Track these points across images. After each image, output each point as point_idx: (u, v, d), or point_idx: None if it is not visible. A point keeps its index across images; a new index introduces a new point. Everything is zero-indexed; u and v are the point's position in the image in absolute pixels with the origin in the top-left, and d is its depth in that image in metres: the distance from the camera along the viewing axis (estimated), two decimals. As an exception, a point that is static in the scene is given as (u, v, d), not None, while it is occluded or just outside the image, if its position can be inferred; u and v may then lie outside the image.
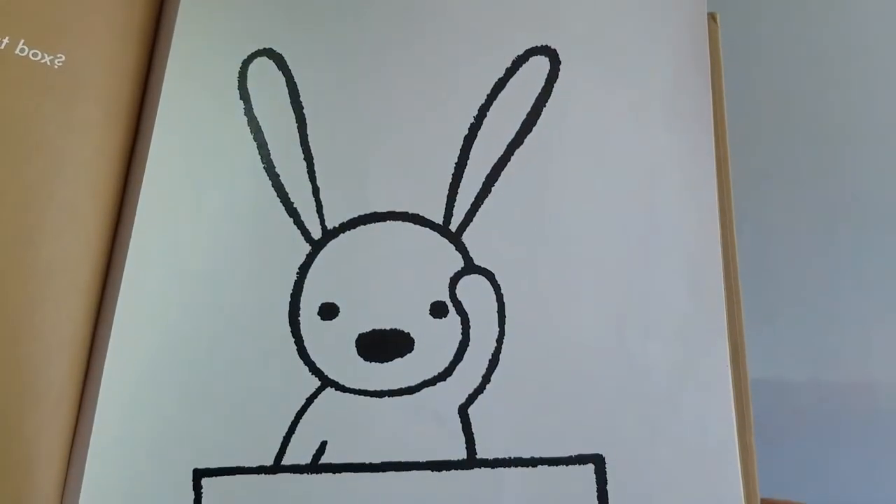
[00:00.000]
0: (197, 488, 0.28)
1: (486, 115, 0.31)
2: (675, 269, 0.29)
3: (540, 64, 0.31)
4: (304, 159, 0.31)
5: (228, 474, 0.28)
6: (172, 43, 0.32)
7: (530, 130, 0.31)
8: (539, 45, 0.31)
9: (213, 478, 0.28)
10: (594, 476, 0.28)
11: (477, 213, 0.30)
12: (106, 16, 0.31)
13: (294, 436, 0.28)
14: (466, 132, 0.31)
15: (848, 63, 0.44)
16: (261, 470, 0.28)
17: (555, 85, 0.31)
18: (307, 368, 0.29)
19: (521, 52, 0.31)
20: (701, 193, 0.30)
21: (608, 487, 0.28)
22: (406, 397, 0.28)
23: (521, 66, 0.31)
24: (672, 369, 0.28)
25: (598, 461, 0.28)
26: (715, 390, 0.28)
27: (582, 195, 0.30)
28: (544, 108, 0.31)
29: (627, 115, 0.31)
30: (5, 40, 0.28)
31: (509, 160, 0.30)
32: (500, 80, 0.31)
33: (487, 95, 0.31)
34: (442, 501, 0.27)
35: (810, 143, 0.43)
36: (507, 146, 0.30)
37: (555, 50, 0.31)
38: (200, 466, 0.28)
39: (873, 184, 0.43)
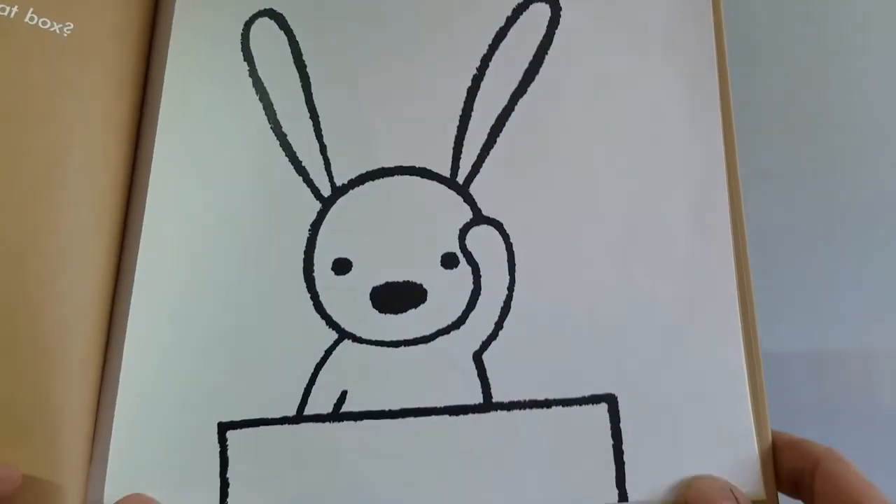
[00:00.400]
0: (222, 441, 0.29)
1: (488, 66, 0.31)
2: (681, 208, 0.30)
3: (540, 11, 0.31)
4: (311, 118, 0.31)
5: (253, 426, 0.29)
6: (175, 7, 0.32)
7: (533, 79, 0.31)
8: None
9: (238, 430, 0.29)
10: (607, 415, 0.28)
11: (483, 165, 0.30)
12: (110, -17, 0.31)
13: (315, 387, 0.29)
14: (470, 84, 0.31)
15: (849, 58, 0.44)
16: (284, 420, 0.29)
17: (556, 31, 0.31)
18: (324, 322, 0.29)
19: (521, 0, 0.31)
20: (705, 133, 0.30)
21: (621, 425, 0.28)
22: (421, 346, 0.29)
23: (522, 14, 0.31)
24: (680, 307, 0.29)
25: (610, 401, 0.29)
26: (723, 326, 0.29)
27: (586, 140, 0.30)
28: (546, 56, 0.31)
29: (629, 58, 0.31)
30: (14, 9, 0.28)
31: (513, 110, 0.31)
32: (500, 29, 0.31)
33: (489, 45, 0.31)
34: (460, 444, 0.28)
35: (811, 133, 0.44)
36: (511, 96, 0.31)
37: None
38: (225, 420, 0.29)
39: (876, 180, 0.43)
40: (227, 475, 0.28)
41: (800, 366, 0.41)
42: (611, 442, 0.28)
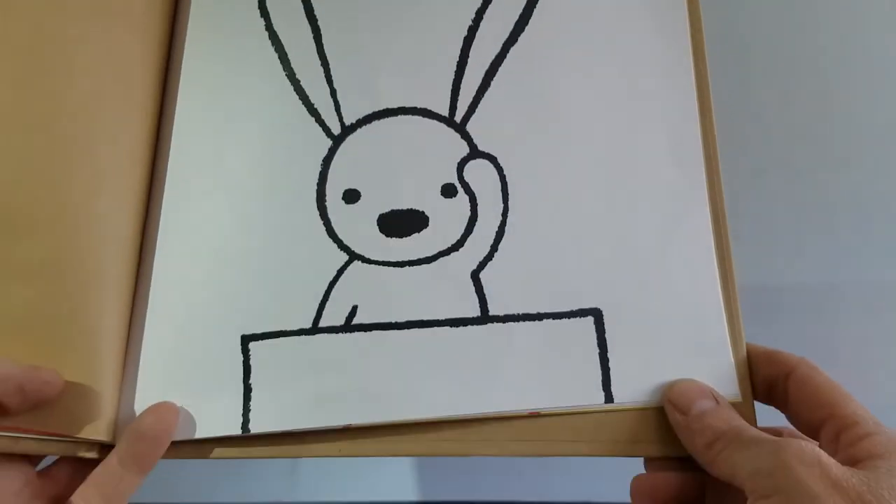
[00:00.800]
0: (245, 351, 0.31)
1: (482, 18, 0.34)
2: (658, 140, 0.33)
3: None
4: (322, 65, 0.34)
5: (272, 337, 0.31)
6: None
7: (523, 30, 0.34)
8: None
9: (259, 341, 0.31)
10: (594, 327, 0.31)
11: (479, 105, 0.34)
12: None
13: (328, 302, 0.32)
14: (466, 34, 0.34)
15: (847, 55, 0.46)
16: (301, 332, 0.32)
17: None
18: (336, 245, 0.32)
19: None
20: (678, 72, 0.33)
21: (606, 336, 0.31)
22: (424, 266, 0.32)
23: None
24: (658, 229, 0.32)
25: (596, 314, 0.31)
26: (698, 246, 0.32)
27: (570, 83, 0.34)
28: (535, 10, 0.34)
29: (609, 9, 0.34)
30: None
31: (505, 57, 0.34)
32: None
33: (483, 0, 0.34)
34: (460, 351, 0.31)
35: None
36: (503, 44, 0.34)
37: None
38: (247, 332, 0.32)
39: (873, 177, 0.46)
40: (250, 381, 0.31)
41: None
42: (597, 350, 0.31)
